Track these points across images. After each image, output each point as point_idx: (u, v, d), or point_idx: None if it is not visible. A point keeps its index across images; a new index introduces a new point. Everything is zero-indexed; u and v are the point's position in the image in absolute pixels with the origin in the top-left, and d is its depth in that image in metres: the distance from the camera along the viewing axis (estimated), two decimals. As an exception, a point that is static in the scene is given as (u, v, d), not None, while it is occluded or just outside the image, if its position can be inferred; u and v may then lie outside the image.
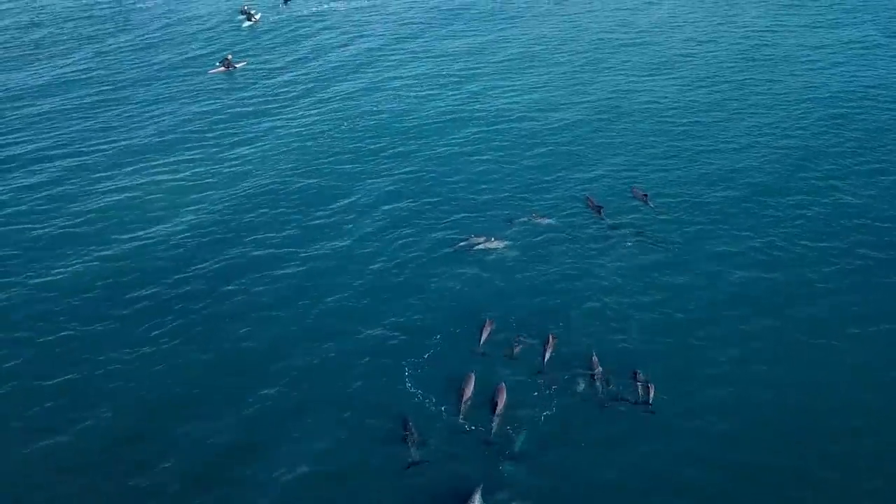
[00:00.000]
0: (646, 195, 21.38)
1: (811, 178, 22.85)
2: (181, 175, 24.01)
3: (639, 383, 14.90)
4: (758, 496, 12.89)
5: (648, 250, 19.30)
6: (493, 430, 13.97)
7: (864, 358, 15.80)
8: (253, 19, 39.63)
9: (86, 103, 29.96)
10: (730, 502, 12.86)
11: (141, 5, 42.88)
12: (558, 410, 14.46)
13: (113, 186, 23.36)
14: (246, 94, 30.73)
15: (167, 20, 40.47)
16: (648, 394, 14.68)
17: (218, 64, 33.47)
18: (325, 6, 42.51)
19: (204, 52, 35.78)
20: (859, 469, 13.31)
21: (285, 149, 25.71)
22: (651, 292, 17.71)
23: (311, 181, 23.50)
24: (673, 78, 30.97)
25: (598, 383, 15.02)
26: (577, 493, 12.98)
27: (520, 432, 13.96)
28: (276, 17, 40.74)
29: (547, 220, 20.59)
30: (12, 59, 35.01)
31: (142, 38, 37.78)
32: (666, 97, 29.02)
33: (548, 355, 15.44)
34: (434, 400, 14.79)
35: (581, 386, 15.01)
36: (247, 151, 25.56)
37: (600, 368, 15.23)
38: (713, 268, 18.63)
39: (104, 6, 42.88)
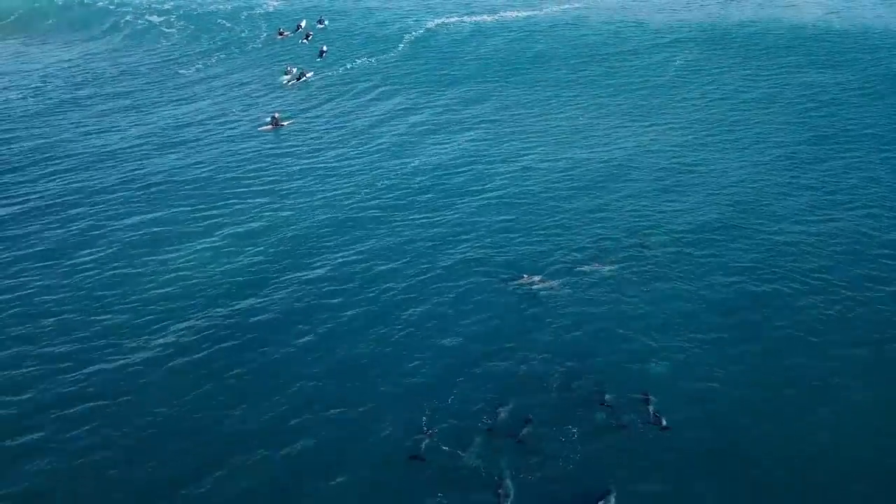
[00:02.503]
0: None
1: (801, 205, 25.42)
2: (224, 228, 25.92)
3: (650, 406, 16.30)
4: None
5: (675, 292, 20.99)
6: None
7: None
8: (304, 77, 42.47)
9: (132, 164, 32.24)
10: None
11: (183, 72, 45.82)
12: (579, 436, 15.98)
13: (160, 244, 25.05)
14: (290, 152, 33.14)
15: (210, 84, 43.36)
16: (660, 416, 16.02)
17: (268, 122, 36.03)
18: (358, 61, 45.29)
19: (249, 111, 38.59)
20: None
21: (324, 203, 27.68)
22: (675, 331, 19.38)
23: (357, 227, 25.54)
24: (673, 127, 33.79)
25: (609, 411, 16.45)
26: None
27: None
28: (314, 76, 43.57)
29: (607, 267, 22.05)
30: (60, 125, 37.59)
31: (186, 100, 40.65)
32: (663, 145, 31.79)
33: None
34: (447, 448, 15.78)
35: (601, 415, 16.43)
36: (287, 207, 27.61)
37: (608, 397, 16.74)
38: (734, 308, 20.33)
39: (147, 70, 45.96)
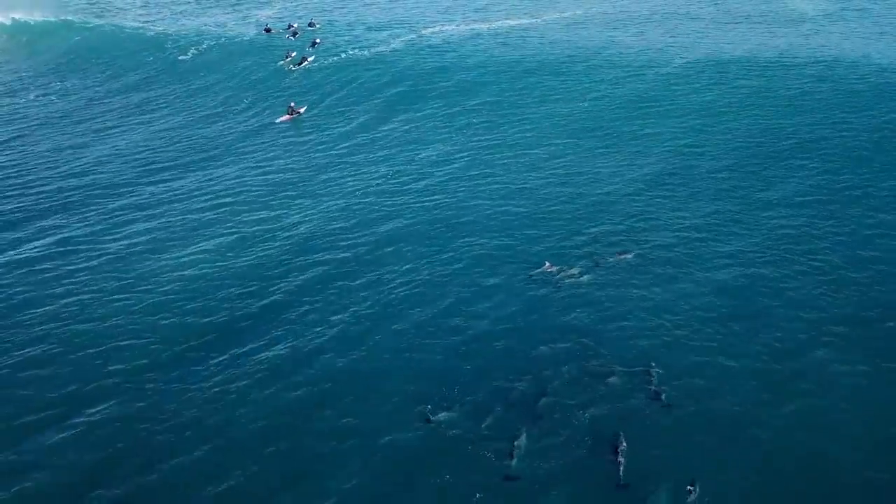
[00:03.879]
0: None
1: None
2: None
3: (653, 383, 17.27)
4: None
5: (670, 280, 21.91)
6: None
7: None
8: (305, 62, 43.91)
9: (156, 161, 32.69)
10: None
11: (183, 57, 47.10)
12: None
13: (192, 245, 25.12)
14: (311, 140, 34.26)
15: (216, 75, 44.83)
16: (661, 392, 16.96)
17: (286, 112, 37.48)
18: (350, 52, 46.25)
19: (260, 99, 39.92)
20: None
21: (341, 193, 28.33)
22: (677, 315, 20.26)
23: (375, 215, 26.33)
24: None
25: (617, 388, 17.50)
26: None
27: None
28: (314, 60, 44.73)
29: (624, 256, 22.95)
30: (69, 118, 38.36)
31: (194, 90, 41.86)
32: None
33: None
34: (467, 416, 16.62)
35: (609, 391, 17.42)
36: (308, 196, 28.29)
37: (617, 374, 17.83)
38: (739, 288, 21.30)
39: (151, 58, 47.24)
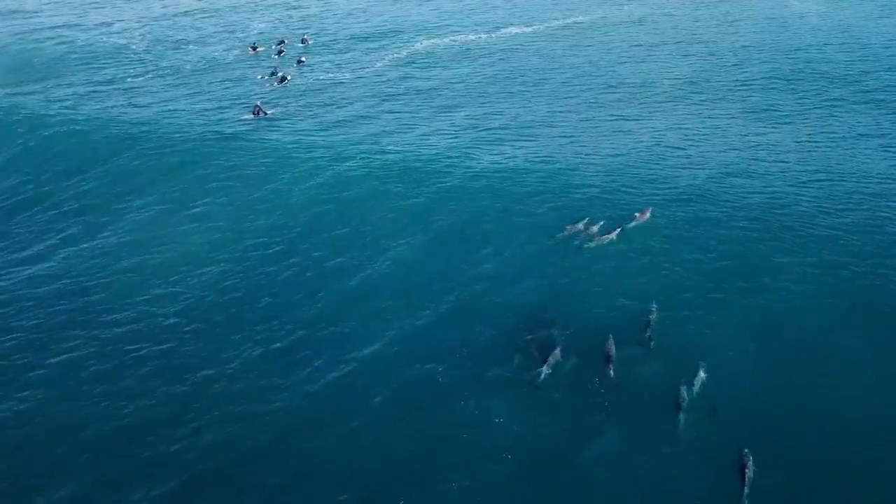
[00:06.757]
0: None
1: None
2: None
3: (649, 329, 19.45)
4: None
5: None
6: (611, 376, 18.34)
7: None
8: (286, 80, 42.45)
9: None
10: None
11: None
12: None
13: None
14: (274, 139, 33.32)
15: (189, 82, 42.97)
16: (651, 339, 19.27)
17: (252, 110, 35.93)
18: (333, 73, 44.93)
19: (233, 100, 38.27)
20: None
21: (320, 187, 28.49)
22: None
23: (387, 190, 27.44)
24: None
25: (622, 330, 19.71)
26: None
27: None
28: (294, 79, 43.56)
29: (647, 214, 24.14)
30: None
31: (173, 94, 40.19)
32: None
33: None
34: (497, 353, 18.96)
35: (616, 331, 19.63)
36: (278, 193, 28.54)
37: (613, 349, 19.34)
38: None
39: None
